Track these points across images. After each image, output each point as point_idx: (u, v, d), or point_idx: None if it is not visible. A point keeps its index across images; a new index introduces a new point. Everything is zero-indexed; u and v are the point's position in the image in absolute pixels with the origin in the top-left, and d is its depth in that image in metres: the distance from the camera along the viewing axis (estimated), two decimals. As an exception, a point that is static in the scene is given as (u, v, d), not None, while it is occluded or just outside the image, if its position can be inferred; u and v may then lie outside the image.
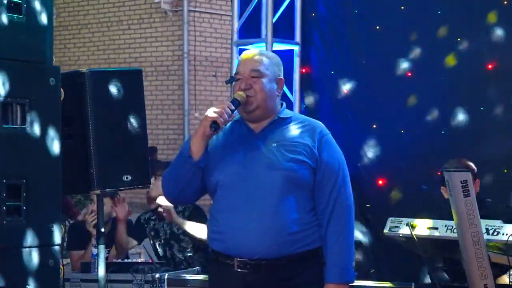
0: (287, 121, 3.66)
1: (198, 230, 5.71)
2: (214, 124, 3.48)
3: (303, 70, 6.63)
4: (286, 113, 3.70)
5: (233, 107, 3.53)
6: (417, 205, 5.95)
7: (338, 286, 3.55)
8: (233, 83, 3.66)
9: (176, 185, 3.64)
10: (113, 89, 4.65)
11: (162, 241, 6.07)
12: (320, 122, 3.74)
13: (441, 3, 6.03)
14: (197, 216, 5.88)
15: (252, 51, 3.78)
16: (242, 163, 3.56)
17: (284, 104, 3.74)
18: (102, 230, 4.81)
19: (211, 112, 3.50)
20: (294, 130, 3.63)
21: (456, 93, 5.97)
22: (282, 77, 3.70)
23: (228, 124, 3.62)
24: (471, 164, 5.12)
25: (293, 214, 3.52)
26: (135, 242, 6.27)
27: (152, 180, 5.69)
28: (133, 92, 4.72)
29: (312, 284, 3.56)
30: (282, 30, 6.63)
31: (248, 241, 3.49)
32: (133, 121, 4.71)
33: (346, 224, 3.58)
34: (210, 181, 3.61)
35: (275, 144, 3.57)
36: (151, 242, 6.20)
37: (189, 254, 6.01)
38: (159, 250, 6.14)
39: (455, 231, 4.08)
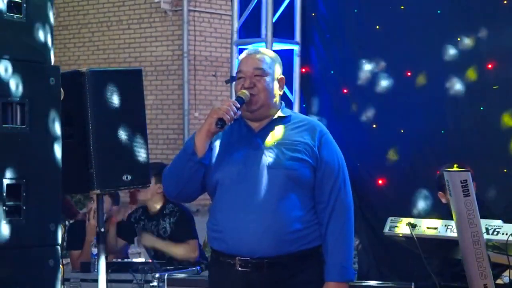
0: (286, 119, 3.66)
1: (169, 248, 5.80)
2: (220, 121, 3.48)
3: (303, 70, 6.63)
4: (286, 112, 3.70)
5: (238, 105, 3.52)
6: (416, 205, 5.95)
7: (338, 284, 3.56)
8: (234, 82, 3.66)
9: (178, 182, 3.63)
10: (113, 89, 4.65)
11: None
12: (319, 122, 3.75)
13: (441, 3, 6.03)
14: (183, 223, 5.90)
15: (254, 50, 3.78)
16: (242, 162, 3.56)
17: (283, 103, 3.74)
18: (102, 230, 4.81)
19: (217, 109, 3.50)
20: (294, 128, 3.63)
21: (456, 93, 5.97)
22: (283, 76, 3.70)
23: (228, 123, 3.63)
24: (468, 167, 5.12)
25: (294, 213, 3.52)
26: (123, 242, 6.27)
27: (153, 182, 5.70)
28: (133, 92, 4.72)
29: (312, 282, 3.57)
30: (282, 30, 6.63)
31: (249, 240, 3.49)
32: (133, 121, 4.71)
33: (346, 223, 3.59)
34: (210, 180, 3.61)
35: (275, 143, 3.58)
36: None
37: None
38: (150, 251, 6.15)
39: (455, 231, 4.08)
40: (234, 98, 3.63)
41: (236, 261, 3.53)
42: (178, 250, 5.84)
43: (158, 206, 6.01)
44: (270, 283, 3.53)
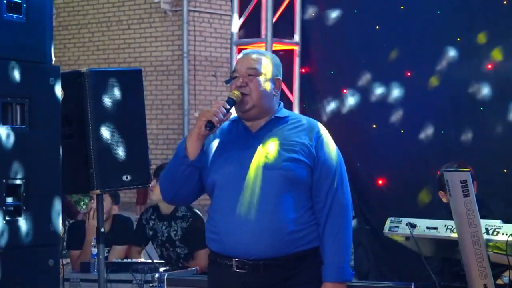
0: (284, 120, 3.66)
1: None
2: (209, 124, 3.48)
3: (303, 70, 6.63)
4: (283, 112, 3.70)
5: (228, 106, 3.52)
6: (417, 205, 5.95)
7: (336, 285, 3.55)
8: (231, 81, 3.66)
9: (172, 185, 3.64)
10: (113, 89, 4.65)
11: (159, 241, 6.08)
12: (317, 121, 3.74)
13: (441, 3, 6.03)
14: (195, 231, 5.89)
15: (251, 50, 3.78)
16: (239, 163, 3.56)
17: (282, 104, 3.73)
18: (102, 230, 4.80)
19: (206, 112, 3.50)
20: (291, 129, 3.62)
21: (456, 92, 5.97)
22: (280, 77, 3.69)
23: (226, 123, 3.62)
24: (469, 167, 5.12)
25: (291, 214, 3.51)
26: (138, 249, 6.26)
27: (154, 182, 5.70)
28: (133, 92, 4.72)
29: (310, 283, 3.56)
30: (282, 30, 6.63)
31: (246, 241, 3.49)
32: (133, 121, 4.71)
33: (344, 223, 3.58)
34: (207, 181, 3.61)
35: (272, 144, 3.57)
36: (150, 241, 6.21)
37: (184, 253, 6.02)
38: (157, 250, 6.16)
39: (455, 231, 4.08)
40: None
41: (233, 262, 3.53)
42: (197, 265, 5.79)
43: (171, 208, 6.02)
44: (267, 285, 3.53)
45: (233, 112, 3.63)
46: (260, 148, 3.57)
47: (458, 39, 5.93)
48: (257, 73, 3.59)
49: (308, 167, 3.55)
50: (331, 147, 3.63)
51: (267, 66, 3.62)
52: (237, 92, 3.56)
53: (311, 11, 6.61)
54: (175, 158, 3.61)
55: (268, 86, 3.61)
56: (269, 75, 3.62)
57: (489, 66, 5.81)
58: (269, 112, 3.63)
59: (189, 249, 5.98)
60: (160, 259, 6.08)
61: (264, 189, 3.50)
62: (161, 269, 5.31)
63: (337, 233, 3.55)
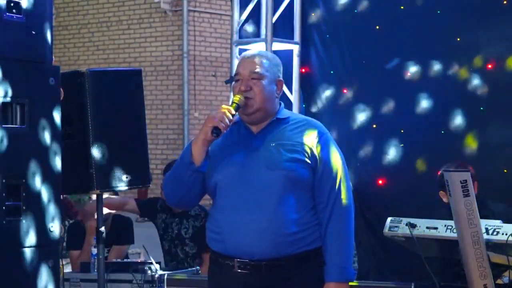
0: (285, 121, 3.66)
1: None
2: (216, 130, 3.48)
3: (303, 70, 6.63)
4: (285, 113, 3.70)
5: (234, 112, 3.53)
6: (417, 205, 5.95)
7: (338, 285, 3.55)
8: (233, 83, 3.66)
9: (178, 190, 3.64)
10: (113, 89, 4.65)
11: (169, 237, 6.11)
12: (318, 122, 3.74)
13: (441, 3, 6.03)
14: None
15: (252, 52, 3.77)
16: (241, 164, 3.56)
17: (282, 104, 3.74)
18: (102, 230, 4.81)
19: (212, 118, 3.50)
20: (293, 130, 3.63)
21: (456, 93, 5.97)
22: (281, 78, 3.69)
23: (227, 124, 3.63)
24: (470, 167, 5.12)
25: (293, 214, 3.52)
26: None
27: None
28: (133, 92, 4.72)
29: (312, 284, 3.56)
30: (282, 30, 6.63)
31: (248, 241, 3.49)
32: (133, 121, 4.71)
33: (346, 223, 3.59)
34: (209, 182, 3.61)
35: (274, 144, 3.57)
36: (160, 232, 6.22)
37: (192, 253, 6.02)
38: (165, 244, 6.17)
39: (455, 231, 4.08)
40: (230, 101, 3.62)
41: (235, 262, 3.54)
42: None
43: None
44: (267, 285, 3.53)
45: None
46: (262, 149, 3.57)
47: (458, 39, 5.93)
48: (261, 76, 3.59)
49: (310, 167, 3.55)
50: (332, 147, 3.64)
51: (270, 69, 3.63)
52: (240, 96, 3.56)
53: (311, 11, 6.61)
54: (180, 164, 3.60)
55: (271, 88, 3.62)
56: (271, 77, 3.62)
57: (489, 66, 5.81)
58: (271, 113, 3.64)
59: (198, 249, 5.99)
60: (167, 254, 6.10)
61: (266, 190, 3.50)
62: (161, 269, 5.32)
63: (339, 233, 3.56)
